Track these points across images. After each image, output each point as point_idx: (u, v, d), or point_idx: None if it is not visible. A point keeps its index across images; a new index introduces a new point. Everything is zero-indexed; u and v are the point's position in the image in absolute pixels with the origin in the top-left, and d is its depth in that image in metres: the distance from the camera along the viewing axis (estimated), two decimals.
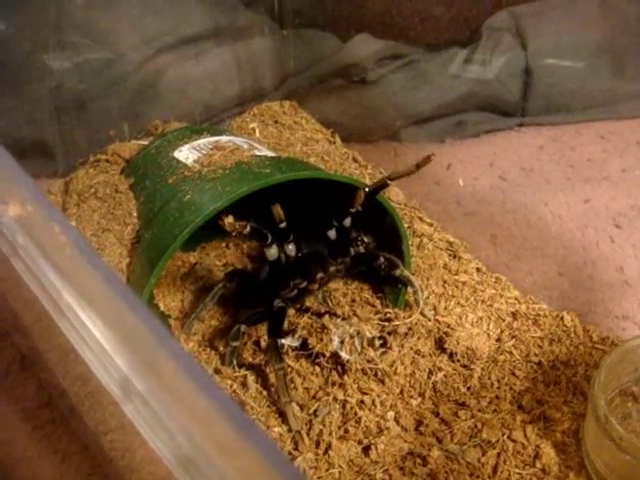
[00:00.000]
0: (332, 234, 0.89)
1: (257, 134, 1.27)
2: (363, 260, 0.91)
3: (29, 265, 0.39)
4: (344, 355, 0.85)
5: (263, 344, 0.91)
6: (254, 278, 0.91)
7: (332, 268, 0.88)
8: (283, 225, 0.83)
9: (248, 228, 0.80)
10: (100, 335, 0.35)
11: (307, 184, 0.86)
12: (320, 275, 0.87)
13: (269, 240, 0.85)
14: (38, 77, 1.16)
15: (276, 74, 1.37)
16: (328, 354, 0.86)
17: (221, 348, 0.92)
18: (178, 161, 0.97)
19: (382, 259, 0.91)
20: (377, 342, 0.87)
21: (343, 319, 0.89)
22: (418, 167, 0.83)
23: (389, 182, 0.85)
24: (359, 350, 0.86)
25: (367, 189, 0.85)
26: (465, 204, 1.18)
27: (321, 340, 0.86)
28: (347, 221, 0.87)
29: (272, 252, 0.86)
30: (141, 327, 0.34)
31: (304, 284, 0.87)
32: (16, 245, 0.40)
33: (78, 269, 0.38)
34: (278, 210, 0.81)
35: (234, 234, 0.79)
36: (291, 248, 0.86)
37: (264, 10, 1.33)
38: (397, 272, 0.92)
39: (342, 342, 0.85)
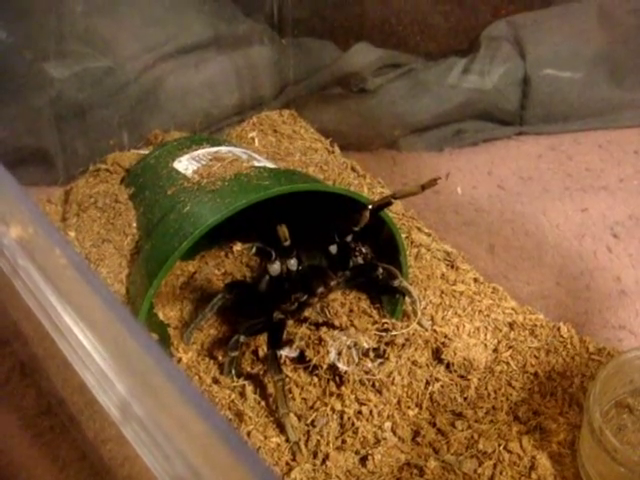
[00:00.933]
0: (333, 249, 0.89)
1: (256, 143, 1.28)
2: (362, 272, 0.92)
3: (29, 287, 0.40)
4: (341, 366, 0.85)
5: (261, 353, 0.91)
6: (253, 289, 0.92)
7: (333, 282, 0.88)
8: (287, 244, 0.83)
9: (254, 249, 0.81)
10: (99, 358, 0.36)
11: (306, 195, 0.87)
12: (321, 290, 0.88)
13: (273, 257, 0.85)
14: (39, 86, 1.16)
15: (275, 83, 1.38)
16: (325, 366, 0.86)
17: (220, 357, 0.93)
18: (177, 172, 0.97)
19: (381, 270, 0.91)
20: (373, 353, 0.87)
21: (341, 330, 0.89)
22: (423, 188, 0.83)
23: (393, 200, 0.85)
24: (356, 361, 0.86)
25: (371, 206, 0.85)
26: (463, 213, 1.18)
27: (318, 352, 0.86)
28: (349, 237, 0.88)
29: (275, 267, 0.86)
30: (140, 351, 0.35)
31: (304, 298, 0.88)
32: (17, 267, 0.41)
33: (78, 292, 0.38)
34: (284, 230, 0.81)
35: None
36: (293, 263, 0.87)
37: (264, 19, 1.33)
38: (396, 283, 0.93)
39: (339, 354, 0.86)
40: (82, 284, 0.38)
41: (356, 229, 0.86)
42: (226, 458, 0.31)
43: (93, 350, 0.36)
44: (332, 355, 0.86)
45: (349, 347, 0.86)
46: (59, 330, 0.38)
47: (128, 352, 0.36)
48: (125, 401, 0.34)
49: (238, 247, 0.79)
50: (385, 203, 0.86)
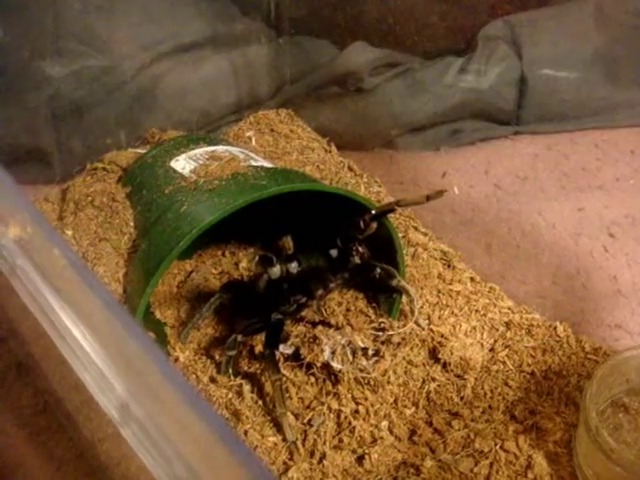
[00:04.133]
0: (334, 253, 0.89)
1: (253, 142, 1.28)
2: (361, 272, 0.92)
3: (27, 287, 0.40)
4: (335, 365, 0.85)
5: (257, 351, 0.91)
6: (251, 289, 0.92)
7: (332, 284, 0.89)
8: (290, 252, 0.83)
9: (257, 258, 0.83)
10: (98, 359, 0.36)
11: (304, 194, 0.87)
12: (320, 292, 0.88)
13: (274, 261, 0.85)
14: (36, 84, 1.16)
15: (272, 82, 1.38)
16: (319, 364, 0.86)
17: (217, 357, 0.93)
18: (175, 171, 0.97)
19: (379, 270, 0.91)
20: (369, 352, 0.88)
21: (337, 329, 0.89)
22: (428, 199, 0.82)
23: (396, 208, 0.85)
24: (350, 360, 0.86)
25: (374, 212, 0.85)
26: (460, 213, 1.18)
27: (312, 350, 0.86)
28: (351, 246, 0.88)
29: (275, 271, 0.86)
30: (138, 352, 0.35)
31: (303, 300, 0.88)
32: (15, 267, 0.41)
33: (77, 292, 0.38)
34: (289, 242, 0.82)
35: None
36: (294, 266, 0.87)
37: (261, 18, 1.33)
38: (394, 282, 0.93)
39: (333, 352, 0.86)
40: (80, 284, 0.38)
41: (360, 237, 0.87)
42: (224, 458, 0.31)
43: (91, 350, 0.36)
44: (326, 354, 0.86)
45: (343, 346, 0.86)
46: (57, 330, 0.38)
47: (126, 353, 0.36)
48: (124, 402, 0.34)
49: (244, 264, 0.82)
50: (388, 210, 0.86)
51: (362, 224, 0.85)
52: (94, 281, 0.38)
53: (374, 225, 0.85)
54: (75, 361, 0.37)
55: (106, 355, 0.36)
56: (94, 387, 0.37)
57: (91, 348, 0.36)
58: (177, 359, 0.92)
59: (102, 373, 0.36)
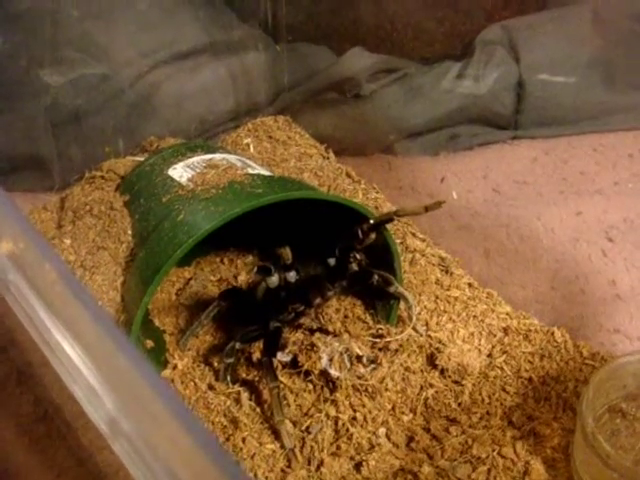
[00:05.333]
0: (332, 261, 0.89)
1: (251, 149, 1.28)
2: (358, 279, 0.92)
3: (20, 302, 0.40)
4: (333, 372, 0.86)
5: (255, 359, 0.91)
6: (249, 297, 0.92)
7: (330, 293, 0.89)
8: (289, 262, 0.84)
9: (255, 269, 0.83)
10: (88, 373, 0.36)
11: (302, 201, 0.87)
12: (318, 301, 0.88)
13: (272, 271, 0.86)
14: (34, 93, 1.16)
15: (270, 89, 1.38)
16: (317, 372, 0.86)
17: (215, 364, 0.93)
18: (172, 179, 0.98)
19: (376, 277, 0.91)
20: (365, 360, 0.88)
21: (335, 336, 0.90)
22: (427, 210, 0.83)
23: (395, 218, 0.86)
24: (348, 367, 0.86)
25: (372, 221, 0.86)
26: (458, 218, 1.18)
27: (310, 358, 0.86)
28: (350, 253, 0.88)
29: (273, 280, 0.86)
30: (129, 367, 0.35)
31: (301, 308, 0.88)
32: (7, 282, 0.41)
33: (68, 307, 0.38)
34: (287, 252, 0.82)
35: None
36: (292, 275, 0.87)
37: (258, 25, 1.34)
38: (392, 289, 0.93)
39: (331, 360, 0.86)
40: (72, 300, 0.38)
41: (359, 247, 0.87)
42: (213, 474, 0.31)
43: (82, 365, 0.36)
44: (324, 361, 0.86)
45: (341, 353, 0.87)
46: (49, 346, 0.38)
47: (116, 368, 0.36)
48: (113, 417, 0.34)
49: (243, 277, 0.83)
50: (386, 220, 0.87)
51: (360, 233, 0.86)
52: (86, 296, 0.39)
53: (373, 235, 0.86)
54: (66, 375, 0.38)
55: (96, 370, 0.36)
56: (84, 401, 0.37)
57: (81, 363, 0.37)
58: (175, 366, 0.92)
59: (92, 388, 0.36)
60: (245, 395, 0.89)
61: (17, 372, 0.95)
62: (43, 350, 0.39)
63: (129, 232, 0.97)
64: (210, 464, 0.32)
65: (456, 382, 0.91)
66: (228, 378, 0.90)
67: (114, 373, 0.36)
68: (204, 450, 0.33)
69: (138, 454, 0.34)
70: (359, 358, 0.88)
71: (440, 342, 0.94)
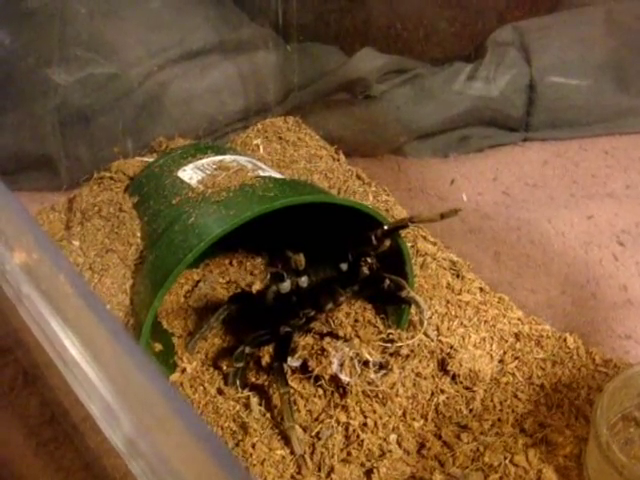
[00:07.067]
0: (344, 266, 0.88)
1: (261, 150, 1.27)
2: (370, 284, 0.91)
3: (33, 315, 0.39)
4: (344, 378, 0.85)
5: (264, 363, 0.91)
6: (259, 301, 0.91)
7: (342, 298, 0.88)
8: (301, 268, 0.83)
9: (268, 276, 0.83)
10: (105, 391, 0.35)
11: (313, 204, 0.87)
12: (329, 306, 0.87)
13: (285, 277, 0.85)
14: (42, 92, 1.16)
15: (280, 89, 1.37)
16: (327, 377, 0.86)
17: (225, 367, 0.92)
18: (182, 181, 0.97)
19: (388, 281, 0.90)
20: (375, 365, 0.87)
21: (345, 340, 0.89)
22: (442, 217, 0.82)
23: (409, 224, 0.85)
24: (359, 372, 0.86)
25: (386, 227, 0.85)
26: (469, 220, 1.18)
27: (320, 363, 0.86)
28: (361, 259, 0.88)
29: (285, 286, 0.85)
30: (146, 385, 0.34)
31: (312, 313, 0.88)
32: (20, 294, 0.40)
33: (83, 321, 0.38)
34: (300, 259, 0.81)
35: None
36: (304, 280, 0.86)
37: (268, 24, 1.33)
38: (403, 293, 0.91)
39: (341, 365, 0.85)
40: (87, 313, 0.38)
41: (372, 253, 0.86)
42: None
43: (98, 382, 0.36)
44: (334, 366, 0.85)
45: (351, 358, 0.86)
46: (63, 360, 0.38)
47: (133, 384, 0.35)
48: (130, 436, 0.34)
49: (257, 287, 0.82)
50: (400, 226, 0.86)
51: (374, 239, 0.85)
52: (101, 308, 0.38)
53: (387, 242, 0.85)
54: (79, 389, 0.37)
55: (112, 387, 0.35)
56: (98, 416, 0.36)
57: (97, 378, 0.36)
58: (184, 370, 0.91)
59: (108, 405, 0.35)
60: (255, 400, 0.88)
61: (24, 374, 0.95)
62: (57, 364, 0.38)
63: (138, 234, 0.96)
64: None
65: (467, 388, 0.90)
66: (237, 382, 0.89)
67: (131, 390, 0.35)
68: (223, 469, 0.32)
69: (155, 474, 0.33)
70: (369, 363, 0.87)
71: (451, 347, 0.93)
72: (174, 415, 0.33)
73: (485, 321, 0.98)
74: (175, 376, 0.91)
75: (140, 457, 0.33)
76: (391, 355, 0.90)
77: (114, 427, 0.35)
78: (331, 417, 0.86)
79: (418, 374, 0.89)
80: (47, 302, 0.39)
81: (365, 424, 0.85)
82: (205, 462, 0.31)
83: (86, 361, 0.36)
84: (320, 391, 0.88)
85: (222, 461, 0.31)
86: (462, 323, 0.97)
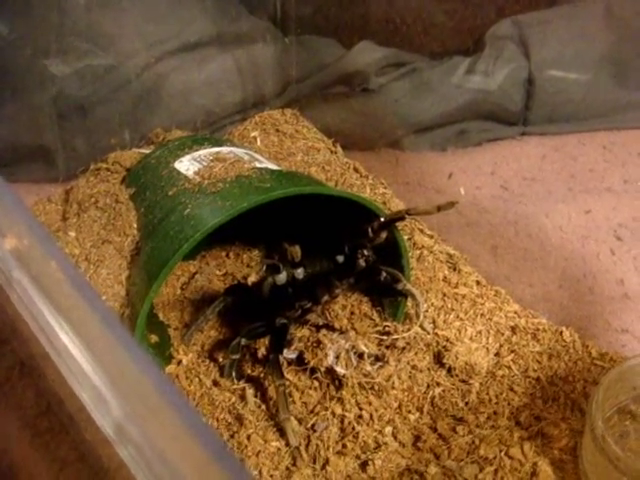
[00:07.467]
0: (340, 258, 0.88)
1: (258, 143, 1.27)
2: (366, 276, 0.91)
3: (24, 301, 0.39)
4: (339, 370, 0.85)
5: (260, 355, 0.91)
6: (255, 293, 0.91)
7: (337, 290, 0.88)
8: (297, 260, 0.83)
9: (264, 267, 0.83)
10: (95, 377, 0.35)
11: (309, 196, 0.86)
12: (325, 298, 0.87)
13: (281, 268, 0.85)
14: (40, 83, 1.15)
15: (278, 81, 1.37)
16: (323, 369, 0.86)
17: (220, 359, 0.92)
18: (179, 172, 0.97)
19: (384, 274, 0.90)
20: (371, 357, 0.87)
21: (341, 333, 0.89)
22: (439, 209, 0.82)
23: (406, 216, 0.85)
24: (354, 365, 0.86)
25: (383, 219, 0.85)
26: (466, 214, 1.18)
27: (316, 355, 0.86)
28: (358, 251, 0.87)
29: (281, 277, 0.85)
30: (137, 371, 0.34)
31: (308, 305, 0.87)
32: (11, 280, 0.40)
33: (74, 308, 0.38)
34: (296, 251, 0.81)
35: None
36: (300, 272, 0.86)
37: (267, 17, 1.33)
38: (400, 286, 0.91)
39: (337, 357, 0.85)
40: (79, 300, 0.38)
41: (368, 245, 0.86)
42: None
43: (89, 369, 0.35)
44: (330, 358, 0.85)
45: (347, 350, 0.86)
46: (54, 346, 0.37)
47: (124, 370, 0.35)
48: (119, 422, 0.34)
49: (253, 278, 0.82)
50: (397, 218, 0.86)
51: (371, 232, 0.85)
52: (92, 295, 0.38)
53: (384, 234, 0.85)
54: (71, 377, 0.37)
55: (102, 373, 0.35)
56: (90, 404, 0.36)
57: (88, 365, 0.36)
58: (180, 362, 0.91)
59: (98, 391, 0.35)
60: (250, 392, 0.88)
61: (20, 364, 0.95)
62: (48, 351, 0.38)
63: (134, 225, 0.96)
64: (219, 470, 0.31)
65: (463, 381, 0.90)
66: (233, 374, 0.89)
67: (121, 376, 0.35)
68: (214, 456, 0.32)
69: (145, 460, 0.33)
70: (365, 355, 0.87)
71: (447, 340, 0.93)
72: (165, 402, 0.33)
73: (481, 314, 0.98)
74: (171, 368, 0.91)
75: (130, 444, 0.33)
76: (387, 347, 0.90)
77: (103, 412, 0.35)
78: (326, 409, 0.85)
79: (414, 367, 0.89)
80: (38, 287, 0.39)
81: (360, 416, 0.85)
82: (197, 451, 0.31)
83: (77, 348, 0.36)
84: (316, 383, 0.88)
85: (214, 450, 0.31)
86: (458, 316, 0.97)
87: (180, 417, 0.32)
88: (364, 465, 0.82)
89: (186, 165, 0.97)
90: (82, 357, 0.36)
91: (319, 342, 0.87)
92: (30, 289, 0.39)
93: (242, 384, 0.89)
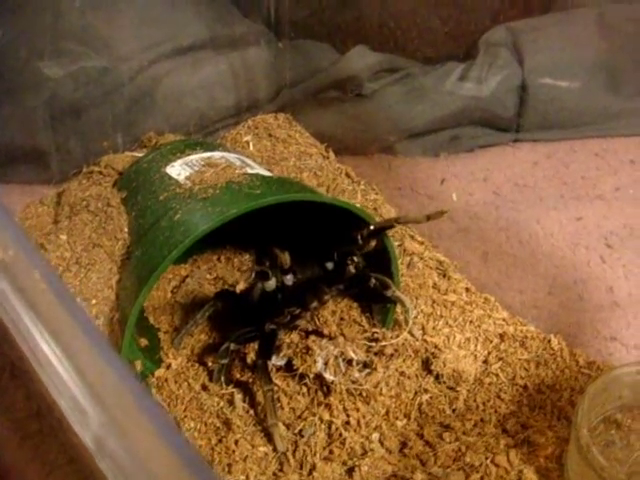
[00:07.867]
0: (330, 265, 0.89)
1: (251, 147, 1.27)
2: (355, 282, 0.91)
3: (7, 311, 0.40)
4: (328, 376, 0.85)
5: (249, 360, 0.91)
6: (245, 299, 0.91)
7: (327, 297, 0.88)
8: (287, 266, 0.83)
9: (253, 274, 0.84)
10: (75, 388, 0.35)
11: (300, 202, 0.87)
12: (314, 304, 0.88)
13: (270, 275, 0.85)
14: (33, 85, 1.16)
15: (271, 85, 1.37)
16: (312, 375, 0.86)
17: (210, 363, 0.93)
18: (170, 177, 0.97)
19: (374, 280, 0.91)
20: (359, 364, 0.87)
21: (330, 339, 0.89)
22: (428, 219, 0.83)
23: (395, 225, 0.85)
24: (343, 371, 0.86)
25: (372, 227, 0.85)
26: (458, 220, 1.18)
27: (305, 361, 0.86)
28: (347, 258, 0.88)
29: (270, 284, 0.85)
30: (117, 382, 0.34)
31: (297, 311, 0.88)
32: None
33: (57, 318, 0.38)
34: (285, 257, 0.82)
35: None
36: (289, 278, 0.86)
37: (261, 21, 1.33)
38: (389, 292, 0.92)
39: (326, 363, 0.85)
40: (61, 311, 0.38)
41: (358, 252, 0.86)
42: None
43: (70, 381, 0.36)
44: (319, 365, 0.85)
45: (336, 357, 0.86)
46: (36, 357, 0.38)
47: (104, 382, 0.35)
48: (98, 434, 0.34)
49: (241, 286, 0.83)
50: (387, 226, 0.86)
51: (360, 239, 0.85)
52: (75, 306, 0.38)
53: (373, 242, 0.85)
54: (53, 389, 0.37)
55: (83, 384, 0.35)
56: (70, 415, 0.36)
57: (69, 376, 0.36)
58: (169, 366, 0.91)
59: (78, 402, 0.35)
60: (239, 397, 0.89)
61: (11, 366, 0.95)
62: (31, 361, 0.38)
63: (125, 230, 0.97)
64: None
65: (451, 388, 0.91)
66: (222, 379, 0.89)
67: (101, 387, 0.35)
68: (190, 469, 0.32)
69: (122, 471, 0.33)
70: (353, 362, 0.87)
71: (436, 347, 0.93)
72: (142, 413, 0.33)
73: (470, 321, 0.98)
74: (160, 372, 0.91)
75: (107, 455, 0.33)
76: (375, 354, 0.91)
77: (82, 423, 0.35)
78: (314, 415, 0.86)
79: (402, 373, 0.90)
80: (21, 298, 0.39)
81: (348, 422, 0.85)
82: (169, 458, 0.31)
83: (57, 357, 0.36)
84: (304, 389, 0.88)
85: (191, 463, 0.31)
86: (447, 323, 0.98)
87: (158, 429, 0.32)
88: (350, 471, 0.82)
89: (177, 170, 0.98)
90: (61, 365, 0.36)
91: (308, 348, 0.87)
92: (13, 299, 0.39)
93: (231, 389, 0.90)
